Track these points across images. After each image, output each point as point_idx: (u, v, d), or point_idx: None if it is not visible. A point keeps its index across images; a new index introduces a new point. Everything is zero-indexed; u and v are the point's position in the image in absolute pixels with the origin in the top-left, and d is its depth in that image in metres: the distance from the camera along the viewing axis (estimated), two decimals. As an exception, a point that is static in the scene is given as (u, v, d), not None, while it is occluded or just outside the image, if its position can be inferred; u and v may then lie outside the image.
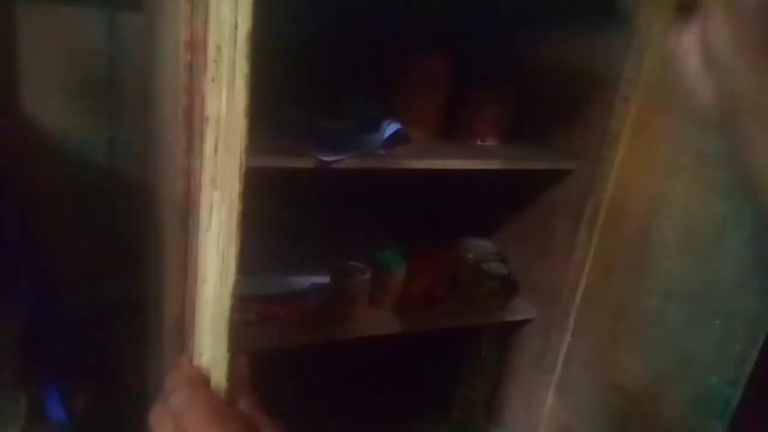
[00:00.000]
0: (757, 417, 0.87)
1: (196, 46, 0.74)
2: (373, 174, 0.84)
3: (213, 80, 0.41)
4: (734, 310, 0.83)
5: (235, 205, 0.43)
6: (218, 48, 0.40)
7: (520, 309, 1.12)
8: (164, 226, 1.06)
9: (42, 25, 1.17)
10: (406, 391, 1.34)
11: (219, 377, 0.42)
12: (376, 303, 1.03)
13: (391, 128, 0.87)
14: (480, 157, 0.96)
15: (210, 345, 0.43)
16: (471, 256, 1.13)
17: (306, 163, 0.80)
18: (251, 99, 0.40)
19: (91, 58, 1.21)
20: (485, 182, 1.13)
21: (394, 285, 1.03)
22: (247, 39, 0.40)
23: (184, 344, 1.04)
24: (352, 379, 1.31)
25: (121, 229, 1.33)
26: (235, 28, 0.39)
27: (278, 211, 1.09)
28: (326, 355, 1.14)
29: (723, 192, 0.83)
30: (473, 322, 1.11)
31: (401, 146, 0.88)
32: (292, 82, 0.91)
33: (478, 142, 1.02)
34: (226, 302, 0.42)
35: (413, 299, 1.05)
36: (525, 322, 1.14)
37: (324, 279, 1.03)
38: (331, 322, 0.98)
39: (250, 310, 0.94)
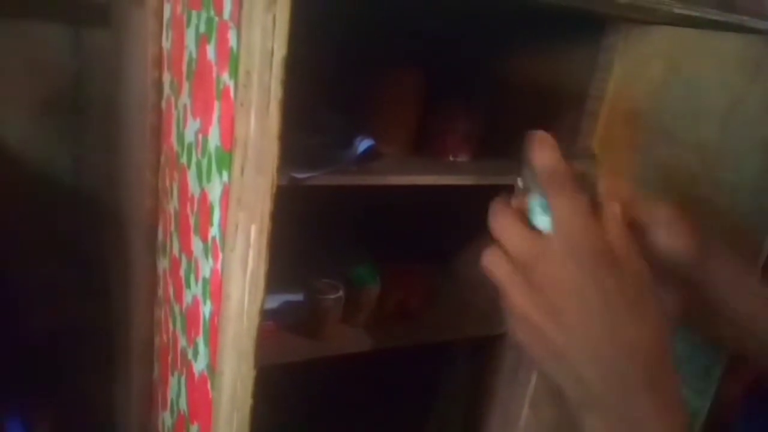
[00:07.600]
0: (726, 427, 0.88)
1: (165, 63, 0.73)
2: (345, 190, 0.84)
3: (242, 105, 0.42)
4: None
5: (266, 225, 0.43)
6: (247, 73, 0.40)
7: (495, 322, 1.12)
8: (131, 245, 1.04)
9: (5, 41, 1.14)
10: (381, 408, 1.32)
11: (244, 393, 0.42)
12: (350, 320, 1.02)
13: (363, 144, 0.87)
14: (452, 173, 0.96)
15: (233, 361, 0.43)
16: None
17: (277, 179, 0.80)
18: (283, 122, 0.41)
19: (55, 75, 1.19)
20: (458, 197, 1.14)
21: (367, 302, 1.03)
22: (282, 65, 0.40)
23: (152, 368, 1.02)
24: (326, 397, 1.29)
25: (86, 249, 1.29)
26: (271, 54, 0.39)
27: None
28: (299, 373, 1.12)
29: (690, 206, 0.84)
30: (447, 337, 1.11)
31: (373, 162, 0.88)
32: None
33: (451, 158, 1.03)
34: (254, 319, 0.42)
35: (387, 316, 1.05)
36: (500, 336, 1.14)
37: (297, 297, 1.02)
38: (304, 340, 0.97)
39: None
